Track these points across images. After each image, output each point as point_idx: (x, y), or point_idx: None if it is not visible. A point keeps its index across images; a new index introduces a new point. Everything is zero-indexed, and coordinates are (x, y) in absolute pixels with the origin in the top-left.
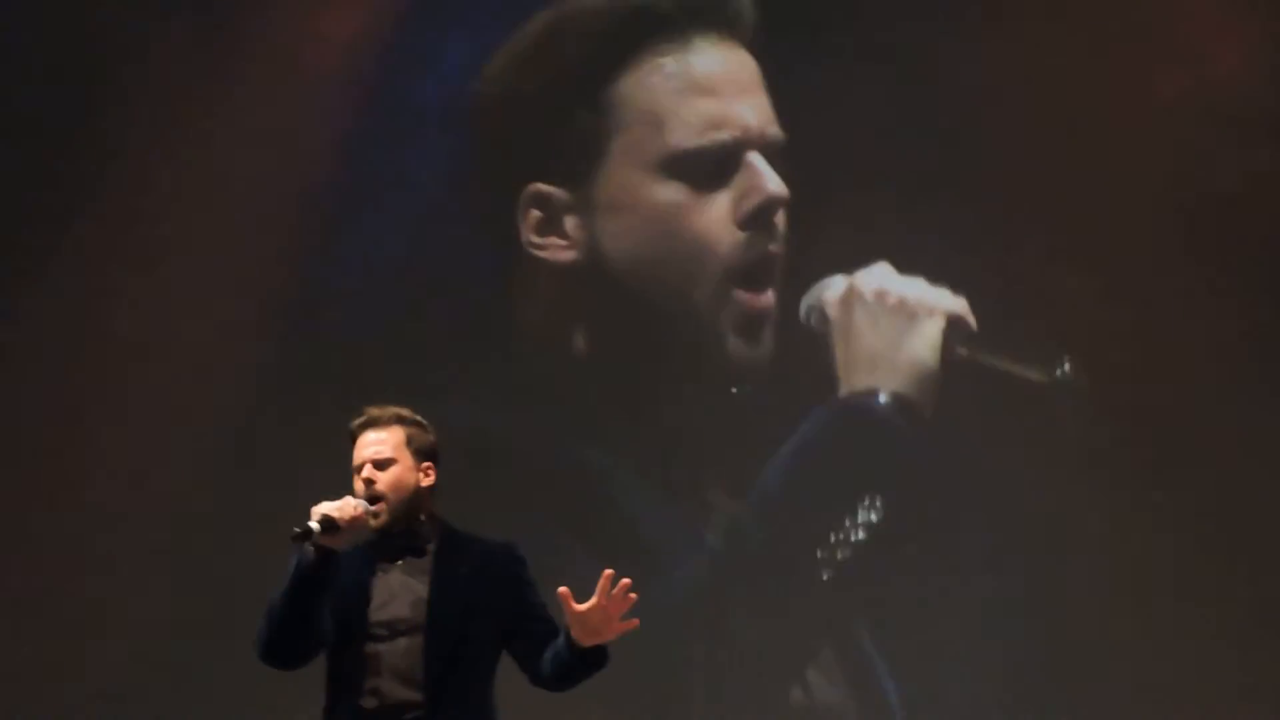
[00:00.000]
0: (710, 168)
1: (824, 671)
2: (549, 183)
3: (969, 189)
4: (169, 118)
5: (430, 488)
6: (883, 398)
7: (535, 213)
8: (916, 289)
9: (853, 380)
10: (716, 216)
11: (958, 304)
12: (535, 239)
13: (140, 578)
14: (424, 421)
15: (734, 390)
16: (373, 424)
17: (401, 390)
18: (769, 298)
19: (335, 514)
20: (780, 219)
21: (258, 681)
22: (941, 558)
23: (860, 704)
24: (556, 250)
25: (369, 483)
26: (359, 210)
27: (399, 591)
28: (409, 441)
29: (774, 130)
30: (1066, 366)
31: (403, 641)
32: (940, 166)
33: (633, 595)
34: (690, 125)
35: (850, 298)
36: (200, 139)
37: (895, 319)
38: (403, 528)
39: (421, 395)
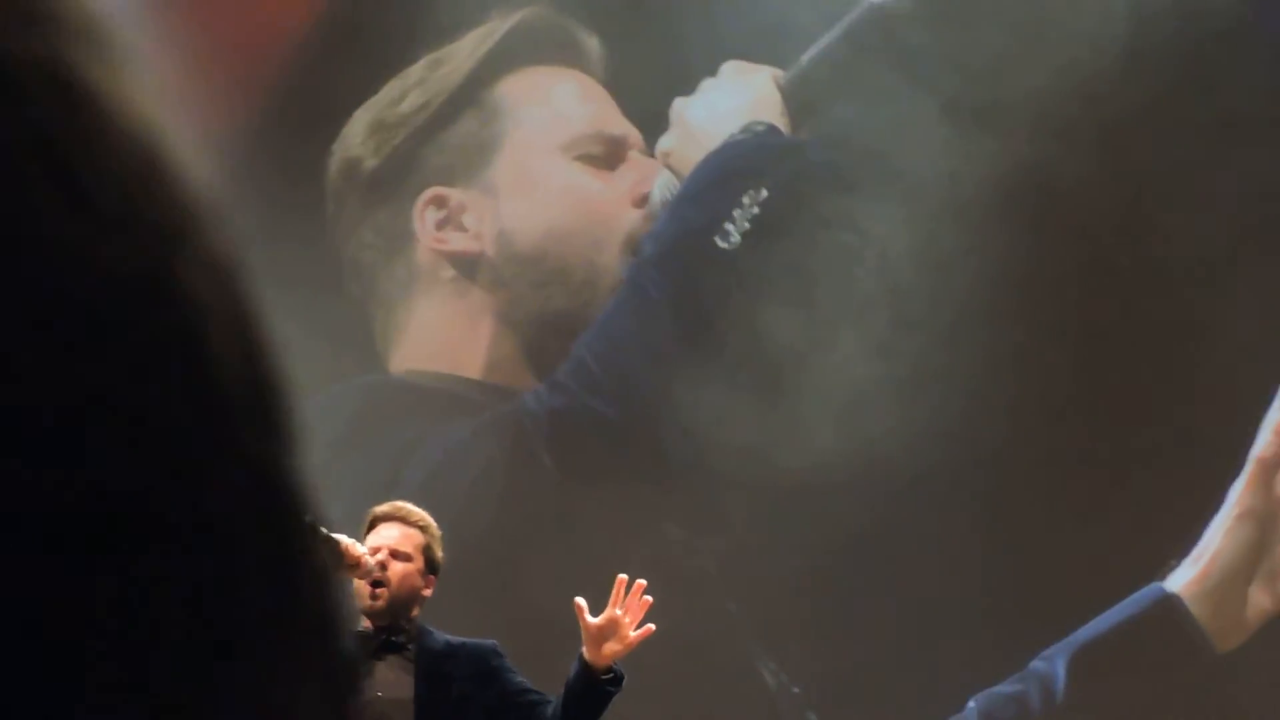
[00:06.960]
0: (605, 151)
1: None
2: (444, 185)
3: None
4: None
5: (425, 600)
6: (743, 134)
7: (433, 213)
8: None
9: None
10: (615, 195)
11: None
12: (436, 234)
13: None
14: (440, 537)
15: None
16: (401, 519)
17: None
18: None
19: (343, 542)
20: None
21: None
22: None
23: None
24: (460, 242)
25: (382, 566)
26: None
27: (383, 690)
28: (427, 549)
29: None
30: None
31: None
32: None
33: (648, 599)
34: (583, 118)
35: (677, 121)
36: None
37: (722, 87)
38: (388, 623)
39: None
